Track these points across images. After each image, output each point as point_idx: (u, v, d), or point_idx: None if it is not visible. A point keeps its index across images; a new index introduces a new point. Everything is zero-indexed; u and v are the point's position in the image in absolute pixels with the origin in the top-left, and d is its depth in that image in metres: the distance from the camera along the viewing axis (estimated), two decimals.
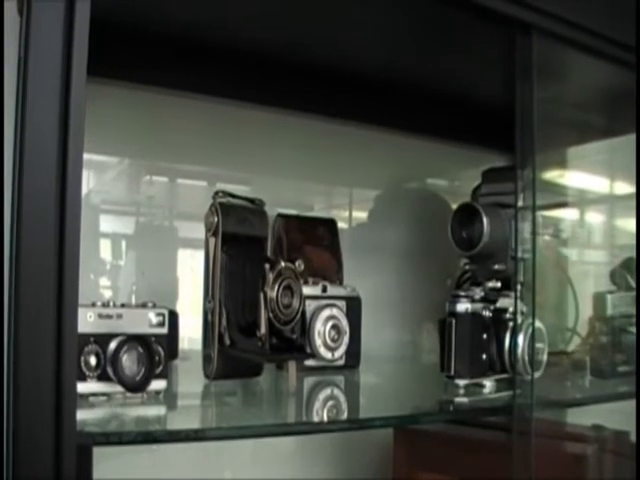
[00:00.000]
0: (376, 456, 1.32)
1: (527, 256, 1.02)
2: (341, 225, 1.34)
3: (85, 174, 1.12)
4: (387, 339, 1.40)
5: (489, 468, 1.06)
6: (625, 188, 1.57)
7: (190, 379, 1.05)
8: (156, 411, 0.84)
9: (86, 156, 1.10)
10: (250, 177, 1.29)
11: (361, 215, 1.47)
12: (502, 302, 1.03)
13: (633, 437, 1.15)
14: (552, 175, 1.40)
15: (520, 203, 1.03)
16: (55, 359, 0.62)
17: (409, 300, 1.41)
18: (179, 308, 1.11)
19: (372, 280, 1.30)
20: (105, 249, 1.18)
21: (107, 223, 1.18)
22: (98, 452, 1.02)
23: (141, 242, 1.20)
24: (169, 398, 0.87)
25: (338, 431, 0.93)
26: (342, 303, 1.13)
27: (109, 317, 0.82)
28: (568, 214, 1.45)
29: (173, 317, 1.06)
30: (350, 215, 1.46)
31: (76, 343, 0.64)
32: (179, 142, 1.19)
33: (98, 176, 1.18)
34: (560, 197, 1.39)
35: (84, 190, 1.13)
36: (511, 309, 1.02)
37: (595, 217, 1.63)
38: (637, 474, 1.03)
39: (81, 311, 0.78)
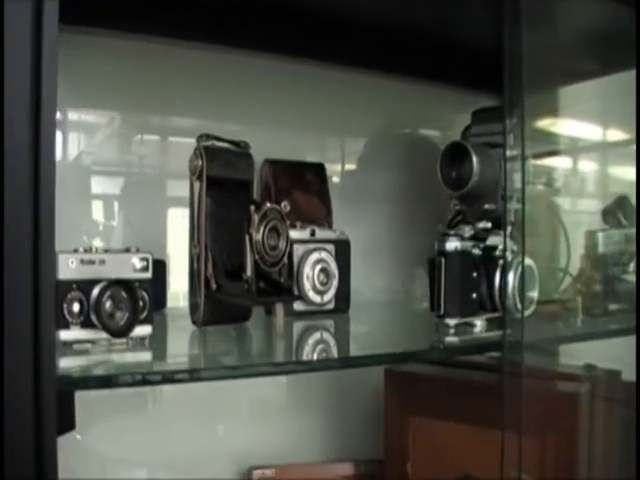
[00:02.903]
0: (368, 402, 1.32)
1: (517, 206, 1.01)
2: (332, 173, 1.33)
3: (75, 136, 1.12)
4: (378, 285, 1.39)
5: (481, 410, 1.06)
6: (618, 134, 1.56)
7: (178, 327, 1.04)
8: (142, 357, 0.83)
9: (75, 116, 1.11)
10: (241, 129, 1.27)
11: (351, 162, 1.45)
12: (492, 240, 1.02)
13: (624, 376, 1.14)
14: (541, 119, 1.38)
15: (510, 142, 1.02)
16: (33, 304, 0.61)
17: (400, 246, 1.40)
18: (173, 268, 1.12)
19: (363, 227, 1.29)
20: (97, 211, 1.16)
21: (99, 184, 1.16)
22: (90, 411, 1.04)
23: (133, 202, 1.18)
24: (155, 344, 0.86)
25: (328, 370, 0.93)
26: (331, 247, 1.11)
27: (91, 263, 0.80)
28: (559, 162, 1.43)
29: (161, 266, 1.06)
30: (343, 164, 1.44)
31: (54, 285, 0.63)
32: (168, 94, 1.17)
33: (88, 137, 1.15)
34: (550, 143, 1.38)
35: (75, 152, 1.12)
36: (501, 247, 1.01)
37: (587, 165, 1.61)
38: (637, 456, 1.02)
39: (62, 257, 0.77)
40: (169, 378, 0.76)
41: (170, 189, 1.22)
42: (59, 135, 1.10)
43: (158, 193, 1.22)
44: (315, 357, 0.90)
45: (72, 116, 1.12)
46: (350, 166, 1.45)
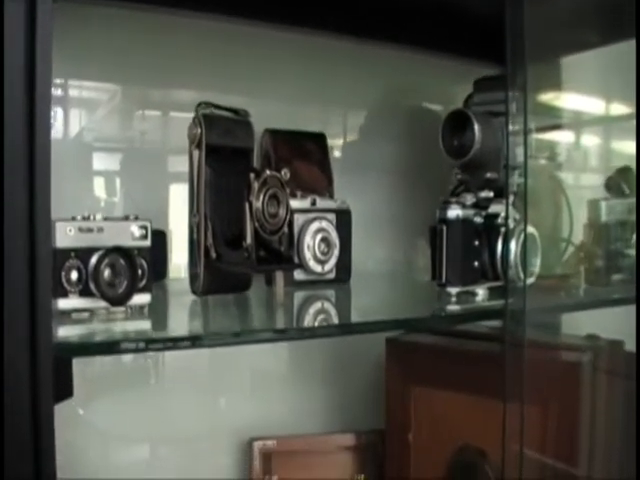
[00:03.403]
0: (369, 373, 1.32)
1: (520, 180, 1.00)
2: (332, 144, 1.32)
3: (76, 112, 1.11)
4: (379, 256, 1.38)
5: (482, 379, 1.06)
6: (622, 108, 1.55)
7: (178, 297, 1.04)
8: (141, 325, 0.82)
9: (75, 92, 1.10)
10: (243, 101, 1.25)
11: (352, 133, 1.44)
12: (494, 208, 1.01)
13: (627, 346, 1.14)
14: (544, 92, 1.37)
15: (513, 111, 1.01)
16: (29, 272, 0.60)
17: (401, 217, 1.39)
18: (175, 244, 1.11)
19: (364, 198, 1.28)
20: (99, 187, 1.15)
21: (100, 161, 1.15)
22: (92, 386, 1.04)
23: (135, 178, 1.17)
24: (155, 314, 0.86)
25: (330, 336, 0.93)
26: (332, 216, 1.10)
27: (90, 231, 0.79)
28: (562, 136, 1.42)
29: (161, 237, 1.05)
30: (344, 135, 1.43)
31: (50, 250, 0.62)
32: (168, 67, 1.16)
33: (89, 114, 1.14)
34: (553, 117, 1.37)
35: (76, 129, 1.11)
36: (503, 214, 1.00)
37: (590, 139, 1.60)
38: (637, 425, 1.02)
39: (60, 225, 0.77)
40: (170, 345, 0.75)
41: (172, 165, 1.20)
42: (60, 112, 1.09)
43: (160, 169, 1.20)
44: (316, 324, 0.90)
45: (73, 92, 1.11)
46: (351, 137, 1.44)
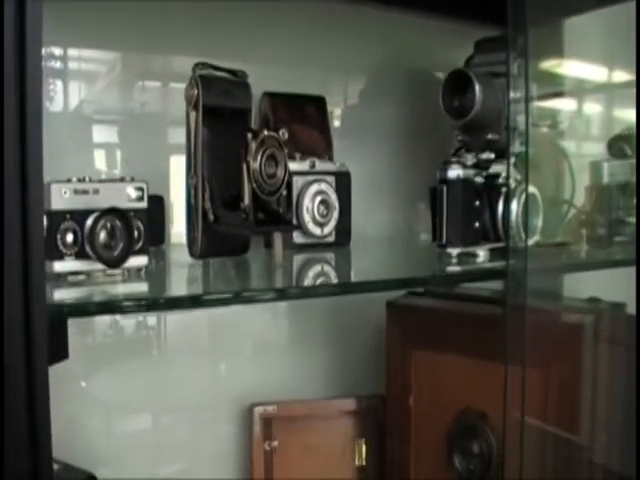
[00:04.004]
0: (369, 337, 1.32)
1: (521, 149, 0.99)
2: (332, 108, 1.31)
3: (76, 85, 1.10)
4: (379, 220, 1.38)
5: (482, 342, 1.06)
6: (624, 75, 1.53)
7: (176, 261, 1.03)
8: (138, 287, 0.81)
9: (75, 65, 1.09)
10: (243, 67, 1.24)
11: (352, 97, 1.43)
12: (495, 168, 1.00)
13: (629, 309, 1.14)
14: (545, 59, 1.35)
15: (514, 72, 1.00)
16: (21, 232, 0.59)
17: (401, 181, 1.38)
18: (177, 216, 1.10)
19: (364, 162, 1.27)
20: (99, 160, 1.14)
21: (100, 133, 1.14)
22: (94, 358, 1.03)
23: (135, 150, 1.16)
24: (152, 276, 0.85)
25: (330, 295, 0.92)
26: (331, 178, 1.10)
27: (85, 192, 0.78)
28: (564, 103, 1.41)
29: (159, 202, 1.05)
30: (345, 99, 1.42)
31: (42, 210, 0.61)
32: (167, 34, 1.14)
33: (89, 86, 1.13)
34: (554, 84, 1.35)
35: (75, 102, 1.10)
36: (504, 174, 0.99)
37: (592, 106, 1.59)
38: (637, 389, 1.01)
39: (55, 187, 0.76)
40: (171, 305, 0.75)
41: (172, 136, 1.19)
42: (60, 85, 1.08)
43: (160, 140, 1.20)
44: (317, 283, 0.89)
45: (72, 65, 1.11)
46: (351, 101, 1.43)
